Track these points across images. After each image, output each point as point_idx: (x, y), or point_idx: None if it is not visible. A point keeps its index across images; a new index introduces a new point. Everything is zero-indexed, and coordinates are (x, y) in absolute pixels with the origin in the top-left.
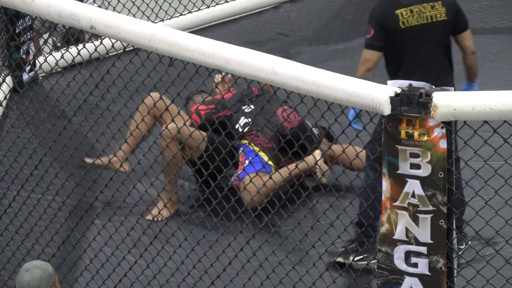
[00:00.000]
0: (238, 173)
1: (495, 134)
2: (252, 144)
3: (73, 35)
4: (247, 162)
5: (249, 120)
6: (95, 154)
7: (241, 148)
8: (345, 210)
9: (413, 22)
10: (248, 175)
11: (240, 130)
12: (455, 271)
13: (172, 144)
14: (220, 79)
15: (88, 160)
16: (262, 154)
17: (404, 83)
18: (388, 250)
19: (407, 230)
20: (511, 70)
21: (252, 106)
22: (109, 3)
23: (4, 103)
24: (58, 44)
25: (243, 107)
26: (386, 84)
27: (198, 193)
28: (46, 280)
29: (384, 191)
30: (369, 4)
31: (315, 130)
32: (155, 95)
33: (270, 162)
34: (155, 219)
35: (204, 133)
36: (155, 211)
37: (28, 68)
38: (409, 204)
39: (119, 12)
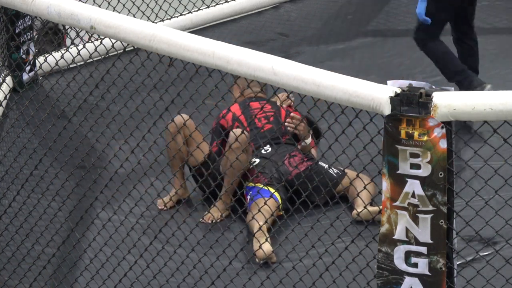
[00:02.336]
0: (246, 203)
1: (495, 134)
2: (256, 184)
3: (51, 28)
4: (255, 191)
5: (258, 160)
6: (95, 154)
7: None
8: (345, 210)
9: None
10: (263, 197)
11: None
12: (455, 271)
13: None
14: (285, 97)
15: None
16: (268, 188)
17: (404, 83)
18: (388, 250)
19: (407, 230)
20: (511, 70)
21: (269, 149)
22: (109, 3)
23: (4, 103)
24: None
25: (261, 148)
26: (386, 84)
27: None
28: None
29: (384, 191)
30: (369, 4)
31: (334, 169)
32: (179, 119)
33: (276, 194)
34: (210, 221)
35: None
36: (214, 212)
37: (28, 68)
38: (409, 204)
39: (119, 12)
